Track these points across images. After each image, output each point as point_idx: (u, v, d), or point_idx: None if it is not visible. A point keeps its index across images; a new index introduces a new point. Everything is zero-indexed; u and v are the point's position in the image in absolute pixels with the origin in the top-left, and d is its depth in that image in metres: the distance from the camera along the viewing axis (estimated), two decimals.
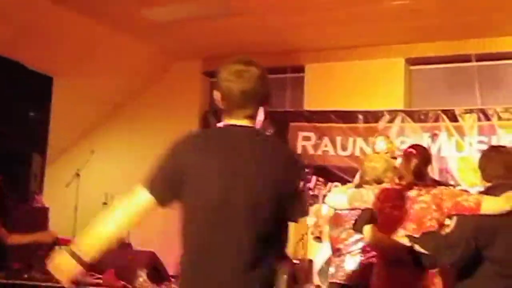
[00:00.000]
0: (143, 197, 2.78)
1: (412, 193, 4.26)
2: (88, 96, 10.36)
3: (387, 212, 4.27)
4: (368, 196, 4.44)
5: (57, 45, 9.20)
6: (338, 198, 4.55)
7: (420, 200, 4.21)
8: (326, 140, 10.13)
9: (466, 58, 9.61)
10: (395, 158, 5.59)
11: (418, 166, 4.36)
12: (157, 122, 11.04)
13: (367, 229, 4.27)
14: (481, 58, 9.54)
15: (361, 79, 10.02)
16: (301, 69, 10.66)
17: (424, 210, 4.19)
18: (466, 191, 4.22)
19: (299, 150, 10.26)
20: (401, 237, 4.16)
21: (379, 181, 4.84)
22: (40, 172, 9.85)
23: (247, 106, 2.83)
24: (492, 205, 3.96)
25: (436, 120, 9.58)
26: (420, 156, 4.43)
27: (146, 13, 8.93)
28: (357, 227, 4.40)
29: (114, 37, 9.73)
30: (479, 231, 3.91)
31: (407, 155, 4.45)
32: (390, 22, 8.98)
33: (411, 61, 10.12)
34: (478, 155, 8.58)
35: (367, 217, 4.32)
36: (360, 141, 9.85)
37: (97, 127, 11.26)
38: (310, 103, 10.47)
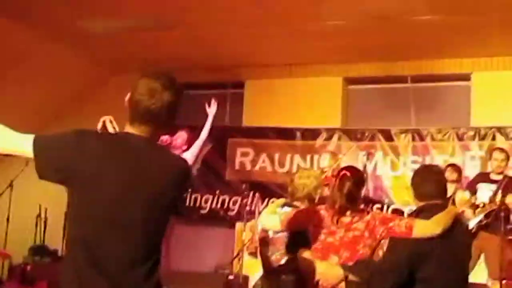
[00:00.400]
0: (27, 150, 2.73)
1: (345, 219, 4.26)
2: (22, 105, 10.13)
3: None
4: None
5: None
6: (270, 220, 4.48)
7: (353, 228, 4.22)
8: (264, 156, 10.16)
9: (402, 79, 9.80)
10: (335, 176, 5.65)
11: (351, 189, 4.34)
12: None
13: (301, 253, 4.30)
14: (416, 79, 9.75)
15: (300, 97, 10.10)
16: (241, 85, 10.69)
17: (357, 238, 4.20)
18: (398, 214, 4.24)
19: (237, 166, 10.29)
20: (334, 264, 4.18)
21: (310, 198, 4.83)
22: None
23: (148, 124, 2.84)
24: (423, 230, 3.98)
25: (372, 139, 9.71)
26: (354, 179, 4.42)
27: (83, 24, 8.82)
28: (291, 250, 4.41)
29: (48, 45, 9.53)
30: (412, 256, 3.93)
31: (341, 178, 4.43)
32: (328, 41, 9.06)
33: (349, 80, 10.26)
34: (411, 174, 8.80)
35: (301, 240, 4.33)
36: (297, 158, 9.92)
37: None
38: (249, 119, 10.51)
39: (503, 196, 6.93)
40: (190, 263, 8.90)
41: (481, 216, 6.96)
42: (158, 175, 2.80)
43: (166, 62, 10.38)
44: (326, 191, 5.15)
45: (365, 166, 8.47)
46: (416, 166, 9.06)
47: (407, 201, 8.62)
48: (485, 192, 7.12)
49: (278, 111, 10.18)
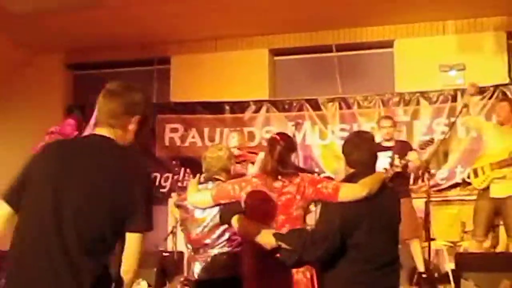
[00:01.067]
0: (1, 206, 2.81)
1: (277, 184, 4.27)
2: None
3: (255, 206, 4.30)
4: (234, 191, 4.42)
5: None
6: (201, 197, 4.51)
7: (285, 192, 4.23)
8: (193, 131, 10.15)
9: (327, 49, 9.88)
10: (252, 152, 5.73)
11: (282, 153, 4.34)
12: (20, 116, 10.65)
13: (236, 219, 4.30)
14: (341, 48, 9.84)
15: (227, 70, 10.09)
16: (167, 61, 10.61)
17: (290, 201, 4.22)
18: (327, 178, 4.31)
19: (166, 142, 10.25)
20: (267, 232, 4.22)
21: (226, 169, 4.87)
22: None
23: (110, 122, 2.92)
24: (349, 192, 4.06)
25: (300, 109, 9.81)
26: (285, 143, 4.41)
27: (4, 3, 8.59)
28: (225, 219, 4.41)
29: None
30: (343, 223, 3.97)
31: (271, 142, 4.45)
32: (252, 13, 9.08)
33: (275, 52, 10.30)
34: (340, 143, 8.93)
35: (235, 209, 4.34)
36: (227, 132, 9.88)
37: None
38: (177, 95, 10.45)
39: (400, 158, 7.14)
40: None
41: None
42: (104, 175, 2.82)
43: (91, 41, 10.25)
44: (239, 168, 5.21)
45: (294, 136, 8.57)
46: (344, 134, 9.27)
47: (336, 169, 8.78)
48: (382, 159, 7.29)
49: (206, 85, 10.15)
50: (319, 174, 9.05)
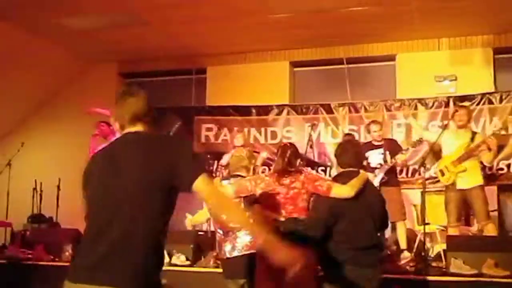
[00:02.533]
0: None
1: (286, 181, 4.48)
2: (12, 94, 9.92)
3: (270, 198, 4.46)
4: (251, 187, 4.57)
5: None
6: (225, 190, 4.63)
7: (292, 187, 4.46)
8: (225, 130, 10.16)
9: (339, 62, 9.85)
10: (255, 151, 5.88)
11: (291, 157, 4.60)
12: (78, 118, 10.75)
13: (255, 208, 4.47)
14: (351, 61, 9.81)
15: (254, 79, 10.10)
16: (204, 71, 10.63)
17: (297, 194, 4.47)
18: (321, 177, 4.54)
19: (203, 139, 10.28)
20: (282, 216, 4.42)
21: (247, 168, 4.99)
22: None
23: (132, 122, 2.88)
24: (339, 191, 4.33)
25: (316, 112, 9.78)
26: (293, 149, 4.69)
27: (66, 21, 8.68)
28: (246, 208, 4.54)
29: (35, 42, 9.36)
30: (331, 213, 4.29)
31: (283, 148, 4.70)
32: (276, 31, 9.10)
33: (295, 64, 10.29)
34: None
35: (252, 200, 4.51)
36: (253, 131, 9.96)
37: (27, 122, 10.85)
38: (212, 100, 10.47)
39: (392, 156, 7.21)
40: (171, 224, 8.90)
41: (381, 175, 7.17)
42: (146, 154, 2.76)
43: (139, 54, 10.33)
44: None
45: (310, 135, 8.56)
46: (353, 133, 9.24)
47: None
48: (375, 156, 7.32)
49: (236, 92, 10.18)
50: (331, 168, 9.06)
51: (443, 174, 7.07)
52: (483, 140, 6.88)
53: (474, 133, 7.13)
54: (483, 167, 7.29)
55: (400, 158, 7.29)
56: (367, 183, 4.50)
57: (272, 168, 4.75)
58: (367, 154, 7.38)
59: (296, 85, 10.38)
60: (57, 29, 8.96)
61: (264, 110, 10.04)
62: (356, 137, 9.22)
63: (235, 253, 4.70)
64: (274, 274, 4.20)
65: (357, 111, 9.63)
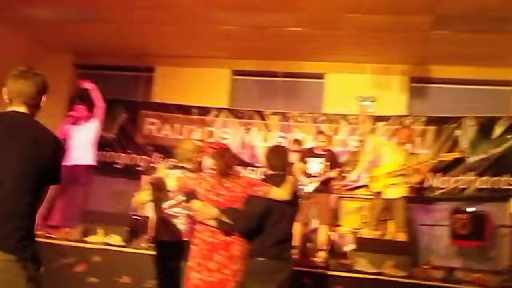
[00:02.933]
0: None
1: (228, 184, 4.43)
2: None
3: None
4: (193, 185, 4.50)
5: None
6: (169, 183, 4.58)
7: (233, 190, 4.41)
8: (167, 126, 10.11)
9: (275, 74, 9.97)
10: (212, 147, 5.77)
11: (230, 159, 4.60)
12: None
13: (194, 202, 4.42)
14: (285, 75, 9.94)
15: (197, 82, 10.08)
16: (152, 70, 10.53)
17: (237, 198, 4.41)
18: (259, 182, 4.52)
19: (146, 132, 10.18)
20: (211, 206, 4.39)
21: (190, 159, 4.90)
22: None
23: (19, 100, 2.86)
24: (276, 195, 4.37)
25: (250, 117, 9.88)
26: (231, 152, 4.74)
27: (28, 11, 8.40)
28: (188, 201, 4.53)
29: None
30: (265, 210, 4.35)
31: (222, 150, 4.63)
32: (221, 41, 9.11)
33: (236, 72, 10.33)
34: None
35: (192, 195, 4.46)
36: (192, 129, 9.92)
37: None
38: (157, 97, 10.39)
39: (331, 167, 7.33)
40: (106, 206, 8.75)
41: (317, 184, 7.24)
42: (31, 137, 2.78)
43: (94, 48, 10.12)
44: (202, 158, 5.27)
45: (243, 138, 8.60)
46: (282, 140, 9.39)
47: None
48: (313, 164, 7.43)
49: (180, 92, 10.14)
50: (258, 168, 9.13)
51: (374, 182, 7.21)
52: (419, 165, 7.13)
53: (410, 153, 7.31)
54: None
55: (332, 173, 7.40)
56: (295, 186, 4.59)
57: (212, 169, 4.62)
58: (306, 159, 7.47)
59: (235, 92, 10.41)
60: (18, 18, 8.68)
61: (204, 111, 10.04)
62: (285, 143, 9.36)
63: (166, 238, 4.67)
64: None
65: (287, 120, 9.77)
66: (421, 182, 8.08)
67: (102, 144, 9.02)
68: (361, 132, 7.66)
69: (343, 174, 8.05)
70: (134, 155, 10.07)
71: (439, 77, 9.35)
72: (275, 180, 4.48)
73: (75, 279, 6.05)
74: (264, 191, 4.37)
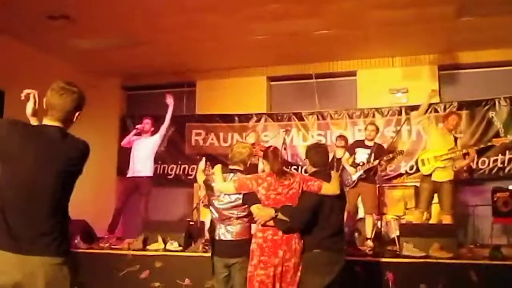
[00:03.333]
0: None
1: (286, 182, 4.36)
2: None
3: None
4: (252, 185, 4.41)
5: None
6: (226, 186, 4.48)
7: (291, 187, 4.34)
8: (212, 135, 10.16)
9: (309, 77, 9.89)
10: (261, 150, 5.65)
11: (282, 159, 4.54)
12: (88, 124, 10.63)
13: (255, 207, 4.36)
14: (319, 76, 9.86)
15: (237, 92, 10.11)
16: (194, 85, 10.61)
17: (295, 194, 4.35)
18: (312, 178, 4.43)
19: (193, 143, 10.26)
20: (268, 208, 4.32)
21: (244, 162, 4.78)
22: None
23: (55, 114, 2.87)
24: (328, 190, 4.35)
25: (289, 120, 9.82)
26: (280, 152, 4.62)
27: (76, 42, 8.60)
28: (246, 203, 4.46)
29: (47, 60, 9.24)
30: (317, 202, 4.30)
31: (275, 151, 4.55)
32: (256, 50, 9.10)
33: (271, 79, 10.32)
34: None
35: (253, 198, 4.38)
36: (236, 136, 9.96)
37: None
38: (201, 109, 10.45)
39: (375, 158, 7.17)
40: (162, 215, 8.87)
41: (361, 172, 7.16)
42: (64, 153, 2.79)
43: (138, 69, 10.27)
44: (253, 160, 5.21)
45: (284, 139, 8.55)
46: (321, 138, 9.32)
47: None
48: (361, 154, 7.33)
49: (221, 102, 10.18)
50: (302, 167, 9.09)
51: (423, 164, 7.04)
52: (468, 149, 7.00)
53: (455, 138, 7.14)
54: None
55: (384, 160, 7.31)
56: (341, 181, 4.61)
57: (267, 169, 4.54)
58: (356, 150, 7.41)
59: (273, 97, 10.40)
60: (68, 49, 8.88)
61: (245, 118, 10.05)
62: (324, 141, 9.30)
63: (228, 237, 4.61)
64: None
65: (324, 118, 9.68)
66: (468, 166, 7.87)
67: (155, 158, 9.17)
68: (416, 121, 7.46)
69: (386, 164, 7.92)
70: (184, 165, 10.17)
71: (467, 63, 9.11)
72: (320, 176, 4.43)
73: (140, 285, 6.13)
74: (318, 186, 4.33)
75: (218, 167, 4.69)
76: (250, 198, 4.42)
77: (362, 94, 9.65)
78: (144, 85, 10.74)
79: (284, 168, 4.49)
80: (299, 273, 4.26)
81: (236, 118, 10.07)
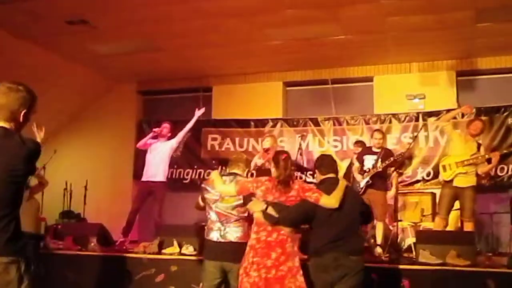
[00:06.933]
0: None
1: (283, 188, 4.39)
2: (48, 109, 9.87)
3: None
4: (252, 188, 4.49)
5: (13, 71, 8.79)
6: (228, 188, 4.56)
7: (290, 195, 4.38)
8: (228, 140, 10.19)
9: (325, 82, 9.88)
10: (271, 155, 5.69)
11: (291, 169, 4.51)
12: (105, 128, 10.80)
13: (252, 202, 4.44)
14: (335, 82, 9.85)
15: (252, 97, 10.14)
16: (210, 90, 10.66)
17: (292, 201, 4.39)
18: (312, 188, 4.44)
19: (209, 148, 10.30)
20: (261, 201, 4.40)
21: (242, 168, 4.88)
22: None
23: (1, 113, 2.87)
24: (326, 204, 4.36)
25: (305, 125, 9.82)
26: (291, 160, 4.60)
27: (94, 47, 8.71)
28: (245, 203, 4.53)
29: (67, 65, 9.40)
30: (309, 209, 4.38)
31: (285, 158, 4.52)
32: (272, 56, 9.13)
33: (287, 84, 10.32)
34: (334, 150, 8.90)
35: (251, 198, 4.46)
36: (252, 141, 9.98)
37: (59, 132, 10.84)
38: (217, 114, 10.49)
39: (382, 163, 7.05)
40: (178, 219, 8.90)
41: (367, 178, 7.06)
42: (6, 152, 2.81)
43: (155, 75, 10.36)
44: (267, 164, 5.24)
45: (300, 144, 8.53)
46: (337, 143, 9.30)
47: None
48: (369, 161, 7.23)
49: (237, 107, 10.21)
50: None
51: (445, 170, 6.94)
52: (491, 154, 6.88)
53: (479, 144, 7.05)
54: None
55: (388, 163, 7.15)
56: (347, 189, 4.52)
57: (272, 173, 4.58)
58: (364, 157, 7.33)
59: (288, 102, 10.40)
60: (86, 54, 9.00)
61: (261, 123, 10.07)
62: (340, 146, 9.27)
63: (228, 239, 4.63)
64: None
65: (340, 124, 9.66)
66: (488, 172, 7.76)
67: (171, 163, 9.21)
68: (441, 125, 7.39)
69: (399, 171, 7.81)
70: (200, 170, 10.20)
71: (485, 68, 9.04)
72: (327, 184, 4.49)
73: None
74: (315, 199, 4.34)
75: (215, 172, 4.83)
76: (250, 199, 4.48)
77: (378, 100, 9.61)
78: (161, 90, 10.84)
79: (289, 177, 4.42)
80: (299, 277, 4.24)
81: (252, 123, 10.09)
